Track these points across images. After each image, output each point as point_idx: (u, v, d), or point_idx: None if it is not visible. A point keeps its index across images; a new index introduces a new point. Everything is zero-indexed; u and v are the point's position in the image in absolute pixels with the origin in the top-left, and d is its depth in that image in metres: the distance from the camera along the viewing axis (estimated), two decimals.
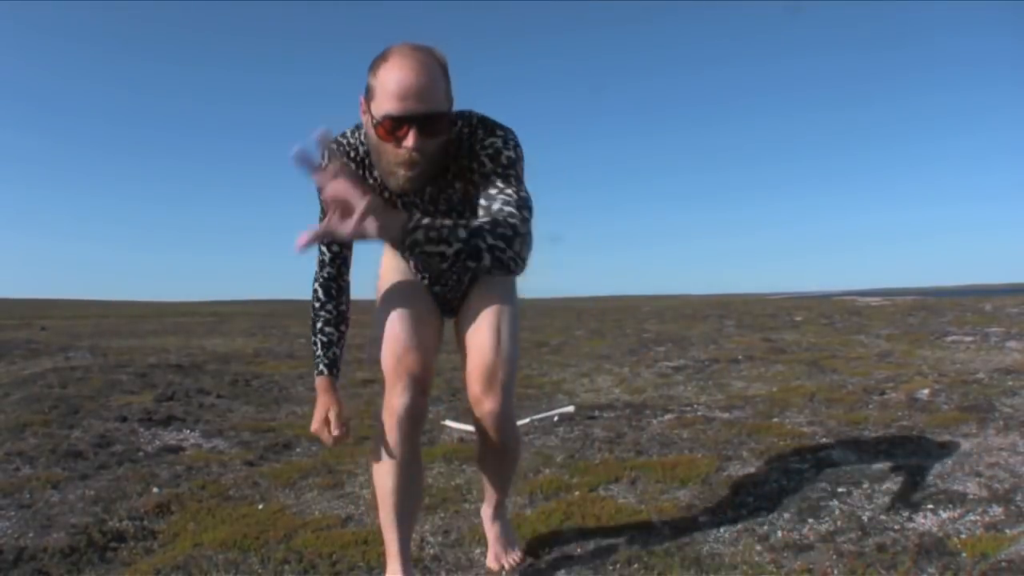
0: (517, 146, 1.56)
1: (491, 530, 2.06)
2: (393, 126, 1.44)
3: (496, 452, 1.85)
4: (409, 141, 1.44)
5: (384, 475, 1.72)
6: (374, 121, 1.46)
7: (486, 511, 2.07)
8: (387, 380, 1.70)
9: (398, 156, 1.47)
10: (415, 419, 1.70)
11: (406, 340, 1.73)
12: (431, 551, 2.19)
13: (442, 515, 2.53)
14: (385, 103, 1.43)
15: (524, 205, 1.45)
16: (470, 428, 3.61)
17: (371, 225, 1.24)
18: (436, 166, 1.52)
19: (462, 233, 1.31)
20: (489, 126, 1.57)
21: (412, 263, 1.83)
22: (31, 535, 2.32)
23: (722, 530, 2.24)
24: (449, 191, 1.61)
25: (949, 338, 7.32)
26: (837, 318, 11.02)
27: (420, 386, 1.70)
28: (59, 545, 2.23)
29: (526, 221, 1.43)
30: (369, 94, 1.48)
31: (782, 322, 10.82)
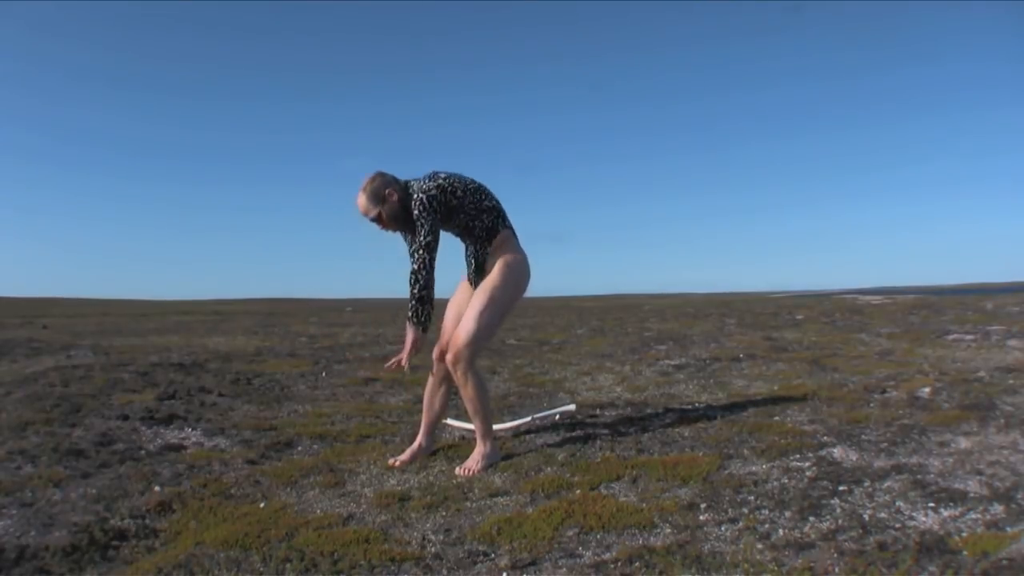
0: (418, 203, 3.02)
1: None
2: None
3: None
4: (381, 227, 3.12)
5: (426, 388, 3.38)
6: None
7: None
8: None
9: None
10: (441, 368, 3.27)
11: (446, 329, 3.25)
12: (432, 549, 2.19)
13: (444, 513, 2.54)
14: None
15: (420, 247, 2.98)
16: (469, 426, 3.62)
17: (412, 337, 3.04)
18: (404, 221, 3.04)
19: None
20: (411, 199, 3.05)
21: (467, 276, 3.29)
22: (33, 533, 2.33)
23: (723, 528, 2.24)
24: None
25: (950, 336, 7.32)
26: (838, 316, 11.02)
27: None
28: (61, 543, 2.23)
29: (422, 258, 2.96)
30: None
31: (783, 321, 10.82)
